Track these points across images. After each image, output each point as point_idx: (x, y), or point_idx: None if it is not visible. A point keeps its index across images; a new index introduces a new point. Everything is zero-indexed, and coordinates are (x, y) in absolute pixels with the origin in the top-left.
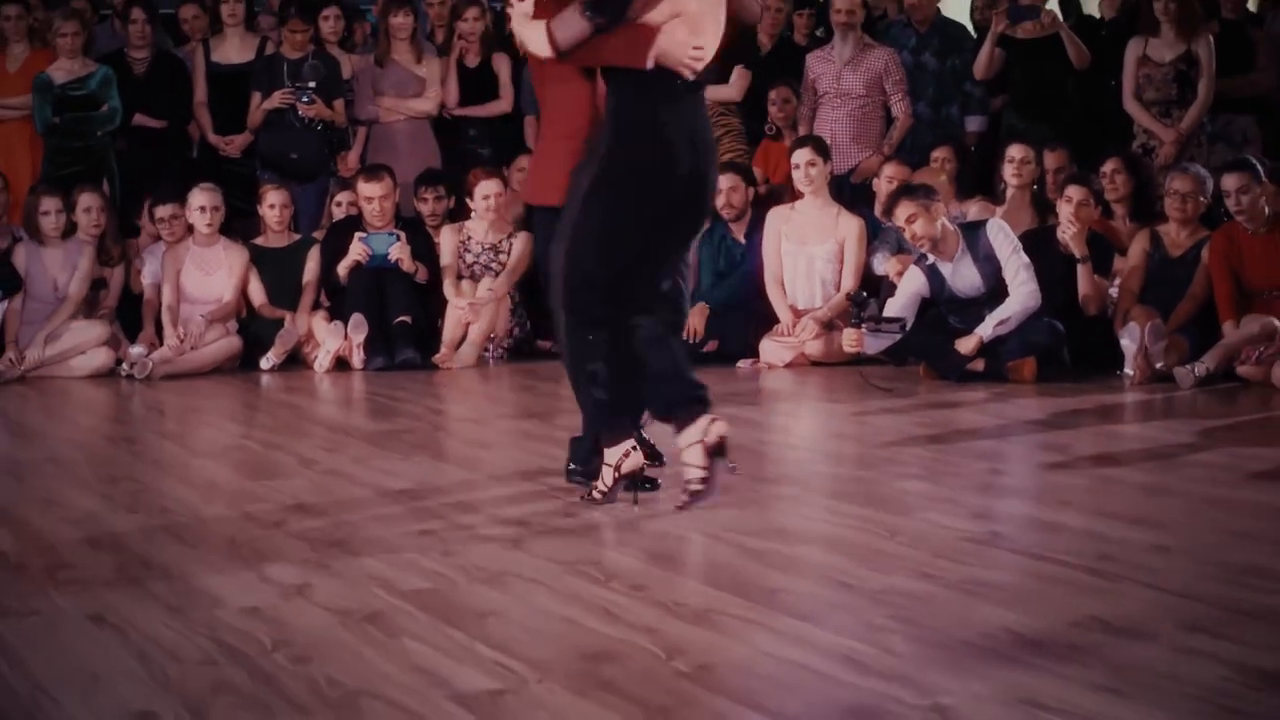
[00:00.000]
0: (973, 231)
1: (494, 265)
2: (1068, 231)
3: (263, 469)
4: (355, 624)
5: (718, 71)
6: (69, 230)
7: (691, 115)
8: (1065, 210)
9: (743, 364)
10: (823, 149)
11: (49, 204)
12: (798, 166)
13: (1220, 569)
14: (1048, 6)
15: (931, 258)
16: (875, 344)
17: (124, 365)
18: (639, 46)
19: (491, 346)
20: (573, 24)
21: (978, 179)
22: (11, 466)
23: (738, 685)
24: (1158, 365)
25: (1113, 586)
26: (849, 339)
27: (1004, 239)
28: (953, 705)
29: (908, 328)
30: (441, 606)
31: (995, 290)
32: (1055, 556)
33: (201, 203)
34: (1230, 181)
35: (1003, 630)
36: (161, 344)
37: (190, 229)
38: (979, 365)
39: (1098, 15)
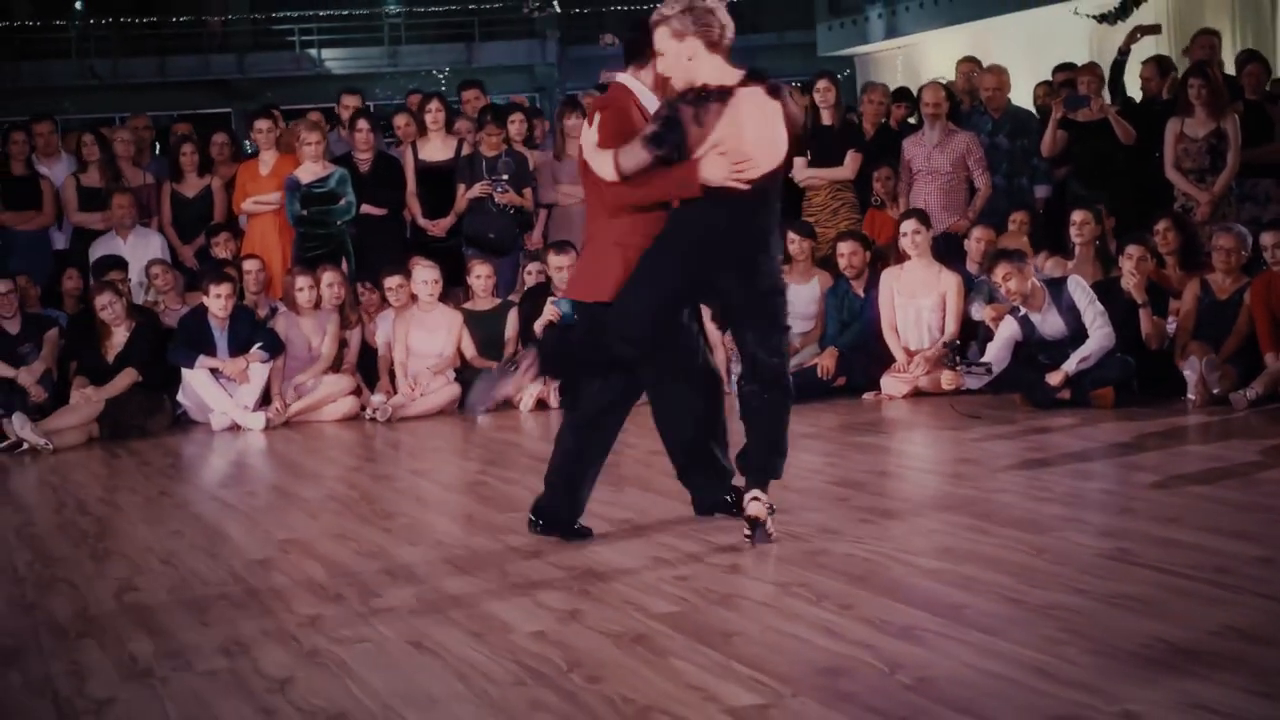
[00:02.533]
0: (1056, 287)
1: None
2: (1130, 282)
3: (508, 503)
4: (627, 645)
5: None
6: (317, 302)
7: (725, 219)
8: (1127, 265)
9: (867, 396)
10: (925, 219)
11: (302, 281)
12: (905, 235)
13: None
14: (1102, 93)
15: (1023, 309)
16: (975, 381)
17: (368, 410)
18: (691, 182)
19: None
20: (636, 154)
21: (1047, 237)
22: (303, 504)
23: (956, 696)
24: (1215, 391)
25: (1235, 598)
26: (945, 379)
27: (1082, 292)
28: (1140, 712)
29: (994, 369)
30: (692, 628)
31: (1077, 333)
32: (1180, 570)
33: (425, 277)
34: (1268, 238)
35: (1156, 640)
36: (395, 392)
37: (414, 297)
38: (1066, 395)
39: (1139, 97)
